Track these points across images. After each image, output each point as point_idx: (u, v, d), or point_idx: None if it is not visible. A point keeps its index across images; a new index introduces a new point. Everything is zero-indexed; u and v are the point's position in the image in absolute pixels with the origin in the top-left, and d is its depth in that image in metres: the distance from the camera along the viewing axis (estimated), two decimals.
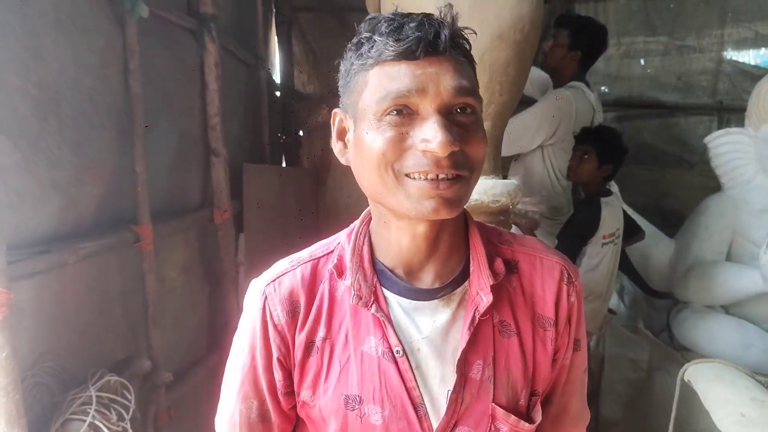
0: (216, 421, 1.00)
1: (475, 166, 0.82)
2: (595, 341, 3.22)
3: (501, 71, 1.87)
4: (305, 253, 0.97)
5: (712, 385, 2.15)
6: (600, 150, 2.74)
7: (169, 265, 2.40)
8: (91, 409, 1.59)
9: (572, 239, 2.78)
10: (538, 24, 1.95)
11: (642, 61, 4.02)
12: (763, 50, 3.82)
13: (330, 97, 4.38)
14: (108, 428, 1.59)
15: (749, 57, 3.85)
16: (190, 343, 2.63)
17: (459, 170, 0.79)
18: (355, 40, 0.86)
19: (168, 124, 2.38)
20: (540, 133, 2.95)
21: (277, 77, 4.31)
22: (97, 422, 1.58)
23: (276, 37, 4.29)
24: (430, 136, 0.76)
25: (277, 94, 4.25)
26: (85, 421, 1.56)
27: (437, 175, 0.78)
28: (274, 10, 4.19)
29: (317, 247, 0.98)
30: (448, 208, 0.79)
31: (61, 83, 1.73)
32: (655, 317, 3.46)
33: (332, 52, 4.16)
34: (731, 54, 3.84)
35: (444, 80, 0.78)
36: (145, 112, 2.10)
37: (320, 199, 4.40)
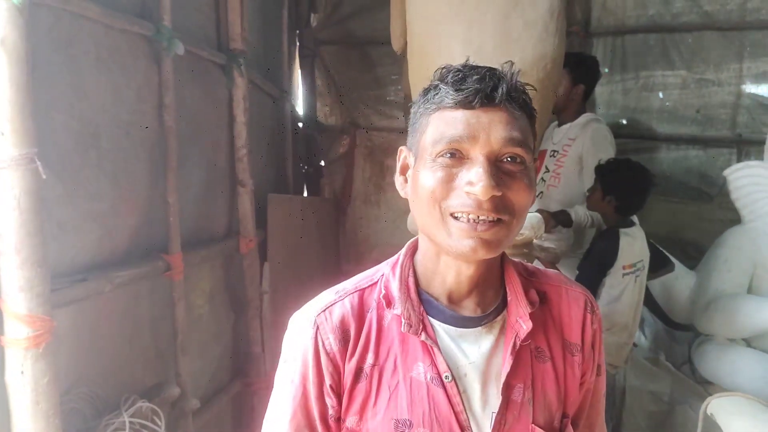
0: None
1: (516, 211, 0.87)
2: (622, 375, 3.21)
3: None
4: (350, 285, 1.00)
5: (734, 419, 2.14)
6: (604, 182, 2.78)
7: (196, 294, 2.46)
8: None
9: (592, 269, 2.80)
10: (559, 62, 2.01)
11: (660, 94, 4.05)
12: None
13: (351, 128, 4.47)
14: None
15: None
16: (214, 370, 2.67)
17: (499, 214, 0.84)
18: (426, 86, 0.93)
19: (198, 156, 2.45)
20: None
21: (300, 109, 4.40)
22: None
23: (299, 70, 4.40)
24: (475, 179, 0.82)
25: (300, 125, 4.34)
26: None
27: (478, 217, 0.84)
28: (298, 44, 4.31)
29: (361, 279, 1.02)
30: (485, 249, 0.84)
31: (101, 118, 1.81)
32: (676, 350, 3.44)
33: (354, 85, 4.29)
34: (750, 87, 3.85)
35: (495, 130, 0.84)
36: (178, 145, 2.17)
37: (341, 228, 4.45)
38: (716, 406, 2.26)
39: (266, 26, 3.48)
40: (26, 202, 1.38)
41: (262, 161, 3.29)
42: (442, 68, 0.91)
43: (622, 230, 2.78)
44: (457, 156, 0.85)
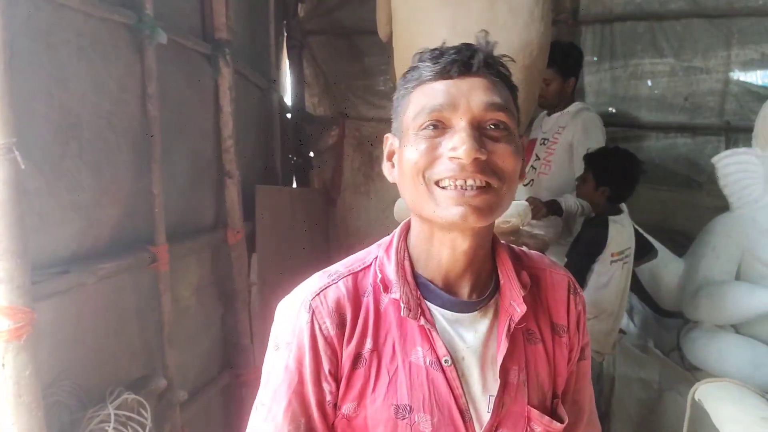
0: None
1: (505, 176, 0.86)
2: (608, 361, 3.22)
3: None
4: (342, 267, 0.98)
5: (722, 405, 2.15)
6: (596, 172, 2.78)
7: (183, 285, 2.44)
8: (109, 426, 1.62)
9: (580, 257, 2.81)
10: (545, 48, 2.00)
11: (649, 83, 4.05)
12: None
13: (339, 118, 4.45)
14: None
15: (756, 77, 3.86)
16: (202, 362, 2.66)
17: (487, 177, 0.83)
18: (405, 72, 0.94)
19: (183, 146, 2.43)
20: None
21: (288, 100, 4.38)
22: None
23: (287, 61, 4.37)
24: (458, 144, 0.82)
25: (288, 116, 4.32)
26: None
27: (465, 182, 0.83)
28: (285, 34, 4.28)
29: (352, 261, 1.00)
30: (476, 215, 0.83)
31: (82, 108, 1.79)
32: (665, 337, 3.45)
33: (342, 75, 4.27)
34: (738, 75, 3.86)
35: (475, 95, 0.84)
36: (162, 135, 2.15)
37: (330, 219, 4.45)
38: (704, 392, 2.27)
39: (253, 16, 3.45)
40: (5, 193, 1.36)
41: (249, 152, 3.27)
42: (420, 51, 0.92)
43: (611, 218, 2.78)
44: (439, 127, 0.85)
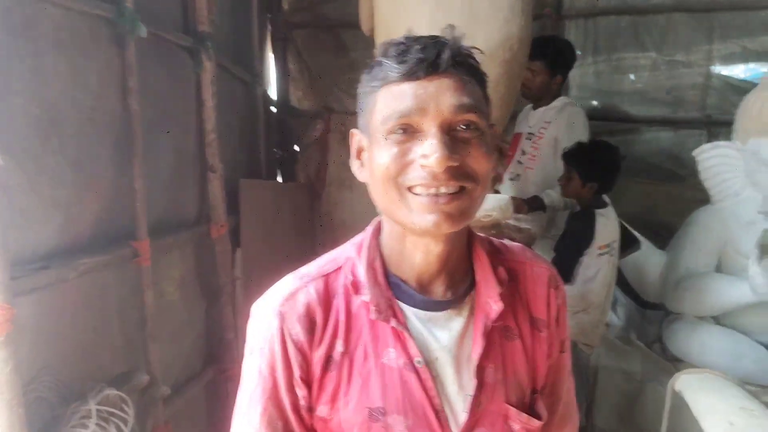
0: None
1: (478, 178, 0.85)
2: (595, 354, 3.25)
3: (491, 88, 1.89)
4: (312, 269, 0.98)
5: (701, 395, 2.18)
6: (581, 169, 2.80)
7: (166, 281, 2.44)
8: (91, 422, 1.62)
9: (568, 250, 2.84)
10: (526, 42, 2.01)
11: (632, 76, 4.08)
12: (750, 65, 3.88)
13: (325, 112, 4.44)
14: None
15: (737, 71, 3.91)
16: (186, 357, 2.66)
17: (459, 181, 0.82)
18: (370, 64, 0.90)
19: (165, 141, 2.42)
20: None
21: (273, 93, 4.37)
22: None
23: (272, 54, 4.36)
24: (429, 151, 0.80)
25: (273, 110, 4.30)
26: None
27: (438, 189, 0.82)
28: (269, 27, 4.26)
29: (324, 263, 0.99)
30: (449, 222, 0.83)
31: (62, 103, 1.78)
32: (647, 328, 3.49)
33: (327, 68, 4.25)
34: (719, 69, 3.90)
35: (444, 98, 0.82)
36: (144, 129, 2.14)
37: (316, 213, 4.44)
38: (684, 383, 2.30)
39: (236, 10, 3.44)
40: None
41: (233, 146, 3.26)
42: (384, 43, 0.88)
43: (597, 211, 2.81)
44: (409, 131, 0.83)
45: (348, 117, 4.45)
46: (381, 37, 2.07)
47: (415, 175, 0.82)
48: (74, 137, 1.83)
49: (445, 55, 0.82)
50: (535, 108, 3.32)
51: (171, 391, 2.28)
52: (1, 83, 1.52)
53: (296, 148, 4.55)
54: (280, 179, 4.42)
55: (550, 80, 3.20)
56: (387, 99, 0.85)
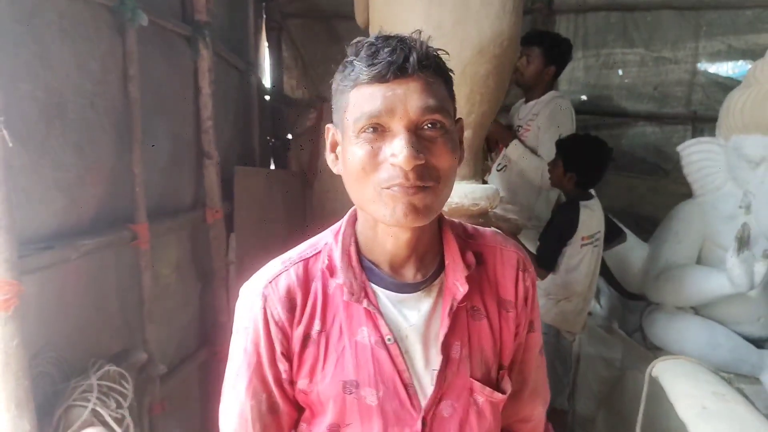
0: (223, 421, 1.06)
1: (441, 176, 0.91)
2: (578, 341, 3.34)
3: (481, 83, 1.99)
4: (294, 254, 1.06)
5: (677, 381, 2.26)
6: (564, 159, 2.89)
7: (163, 263, 2.50)
8: (92, 396, 1.68)
9: (552, 240, 2.93)
10: (516, 38, 2.07)
11: (620, 72, 4.16)
12: (735, 62, 3.97)
13: (318, 101, 4.49)
14: (108, 415, 1.69)
15: (722, 69, 4.00)
16: (181, 338, 2.72)
17: (425, 182, 0.89)
18: (343, 61, 0.95)
19: (163, 127, 2.48)
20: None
21: (267, 82, 4.41)
22: (98, 409, 1.67)
23: (266, 43, 4.40)
24: (397, 150, 0.86)
25: (267, 98, 4.35)
26: (86, 407, 1.65)
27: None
28: (264, 17, 4.30)
29: (305, 248, 1.07)
30: (415, 215, 0.89)
31: (66, 88, 1.83)
32: (629, 318, 3.58)
33: (320, 58, 4.29)
34: (705, 66, 3.99)
35: (411, 100, 0.87)
36: (143, 116, 2.20)
37: (307, 201, 4.49)
38: (660, 369, 2.38)
39: None
40: None
41: (228, 133, 3.32)
42: (356, 42, 0.93)
43: (582, 203, 2.89)
44: (378, 130, 0.89)
45: None
46: (374, 31, 2.13)
47: (387, 176, 0.88)
48: (76, 122, 1.88)
49: (413, 58, 0.87)
50: (526, 101, 3.40)
51: (166, 370, 2.34)
52: (9, 69, 1.57)
53: (289, 136, 4.60)
54: (273, 166, 4.47)
55: (543, 69, 3.26)
56: (358, 99, 0.90)
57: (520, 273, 1.10)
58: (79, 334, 1.90)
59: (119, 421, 1.75)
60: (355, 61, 0.90)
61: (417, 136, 0.89)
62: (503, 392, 1.06)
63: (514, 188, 3.36)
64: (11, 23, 1.62)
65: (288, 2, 4.43)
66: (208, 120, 2.81)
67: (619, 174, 3.87)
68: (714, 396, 2.13)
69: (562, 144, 2.96)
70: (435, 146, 0.90)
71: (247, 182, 3.30)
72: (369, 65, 0.88)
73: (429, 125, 0.90)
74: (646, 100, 4.09)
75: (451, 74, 0.97)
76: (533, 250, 2.98)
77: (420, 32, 0.93)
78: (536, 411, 1.23)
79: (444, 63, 0.96)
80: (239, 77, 3.63)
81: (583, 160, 2.87)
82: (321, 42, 4.48)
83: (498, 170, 3.45)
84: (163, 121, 2.47)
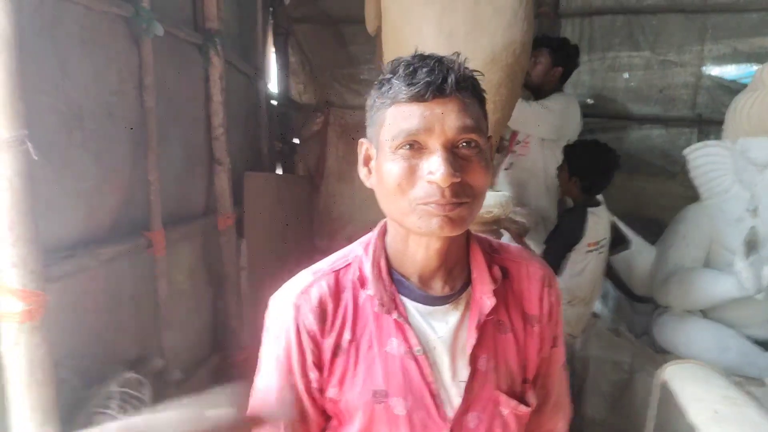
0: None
1: (476, 194, 0.94)
2: (580, 344, 3.36)
3: (494, 91, 2.01)
4: (325, 265, 1.09)
5: (687, 384, 2.27)
6: (570, 163, 2.91)
7: (177, 270, 2.52)
8: (113, 404, 1.70)
9: (558, 245, 2.95)
10: (528, 46, 2.09)
11: (626, 75, 4.18)
12: (740, 65, 3.98)
13: (324, 106, 4.52)
14: None
15: (727, 72, 4.01)
16: (194, 344, 2.75)
17: (460, 199, 0.91)
18: (380, 78, 0.98)
19: (177, 135, 2.50)
20: (547, 121, 3.25)
21: (273, 87, 4.43)
22: (118, 416, 1.69)
23: (273, 48, 4.42)
24: (434, 168, 0.89)
25: (274, 103, 4.37)
26: (108, 415, 1.67)
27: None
28: (271, 22, 4.32)
29: (336, 259, 1.10)
30: (450, 226, 0.92)
31: (85, 99, 1.85)
32: (637, 321, 3.59)
33: (327, 63, 4.32)
34: (711, 69, 4.01)
35: (449, 120, 0.90)
36: (157, 124, 2.22)
37: (314, 205, 4.52)
38: (671, 373, 2.39)
39: (241, 5, 3.50)
40: (18, 183, 1.43)
41: (238, 139, 3.34)
42: (393, 61, 0.96)
43: (589, 209, 2.91)
44: (415, 147, 0.91)
45: (347, 111, 4.53)
46: (388, 40, 2.15)
47: (423, 193, 0.91)
48: (95, 132, 1.90)
49: (450, 79, 0.90)
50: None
51: (182, 375, 2.36)
52: (31, 82, 1.59)
53: (296, 140, 4.63)
54: (280, 171, 4.49)
55: (551, 69, 3.32)
56: (396, 117, 0.92)
57: (546, 289, 1.12)
58: (97, 341, 1.92)
59: None
60: (393, 80, 0.93)
61: (453, 154, 0.91)
62: (528, 405, 1.08)
63: (523, 185, 3.42)
64: (32, 36, 1.64)
65: (295, 7, 4.45)
66: (220, 127, 2.83)
67: (626, 177, 3.88)
68: (725, 400, 2.13)
69: (569, 149, 2.99)
70: (470, 165, 0.92)
71: (256, 187, 3.32)
72: (408, 84, 0.91)
73: (464, 144, 0.92)
74: (652, 103, 4.11)
75: (485, 95, 1.00)
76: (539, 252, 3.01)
77: (458, 54, 0.96)
78: (559, 425, 1.25)
79: (479, 84, 0.98)
80: (247, 83, 3.65)
81: (587, 166, 2.89)
82: (328, 47, 4.51)
83: (505, 169, 3.50)
84: (176, 129, 2.50)
